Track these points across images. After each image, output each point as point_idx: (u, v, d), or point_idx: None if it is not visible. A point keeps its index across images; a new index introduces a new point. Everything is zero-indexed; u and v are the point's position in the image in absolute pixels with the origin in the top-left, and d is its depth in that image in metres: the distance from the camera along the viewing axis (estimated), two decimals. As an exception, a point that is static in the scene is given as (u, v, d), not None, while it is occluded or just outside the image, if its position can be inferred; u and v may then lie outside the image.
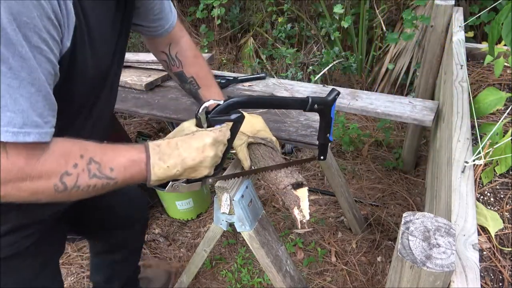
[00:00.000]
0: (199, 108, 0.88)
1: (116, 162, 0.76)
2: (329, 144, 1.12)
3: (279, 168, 1.06)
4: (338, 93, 1.02)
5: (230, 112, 0.90)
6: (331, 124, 1.07)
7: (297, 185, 1.02)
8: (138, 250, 1.56)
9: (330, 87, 1.76)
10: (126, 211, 1.38)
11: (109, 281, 1.52)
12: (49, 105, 0.68)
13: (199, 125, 0.89)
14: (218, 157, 0.88)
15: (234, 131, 0.92)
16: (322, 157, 1.14)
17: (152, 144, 0.82)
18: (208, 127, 0.88)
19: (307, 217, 0.98)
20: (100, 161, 0.74)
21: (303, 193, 1.01)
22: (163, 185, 0.88)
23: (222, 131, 0.87)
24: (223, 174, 1.05)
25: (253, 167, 1.11)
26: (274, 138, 1.15)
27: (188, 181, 0.90)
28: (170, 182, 0.87)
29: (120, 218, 1.37)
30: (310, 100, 0.98)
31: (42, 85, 0.66)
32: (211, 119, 0.88)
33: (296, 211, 0.98)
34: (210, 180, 0.94)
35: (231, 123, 0.90)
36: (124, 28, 0.94)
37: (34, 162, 0.68)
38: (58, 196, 0.71)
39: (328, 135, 1.08)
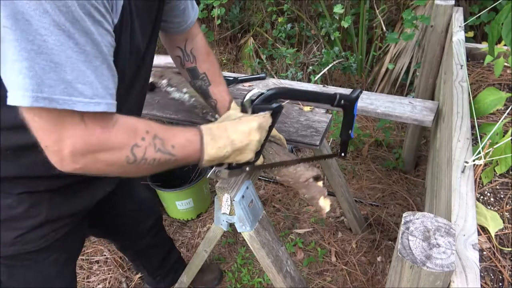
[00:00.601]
0: (245, 96, 0.95)
1: (176, 140, 0.81)
2: (348, 141, 1.18)
3: (299, 163, 1.11)
4: (361, 91, 1.09)
5: (271, 102, 0.96)
6: (354, 120, 1.13)
7: (317, 178, 1.08)
8: (157, 245, 1.62)
9: (330, 87, 1.76)
10: (138, 212, 1.45)
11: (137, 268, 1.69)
12: (113, 78, 0.72)
13: (244, 111, 0.96)
14: (260, 142, 0.94)
15: (274, 119, 0.97)
16: (343, 154, 1.20)
17: (205, 127, 0.87)
18: (252, 113, 0.94)
19: (328, 208, 1.05)
20: (163, 138, 0.79)
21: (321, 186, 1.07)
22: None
23: (266, 117, 0.93)
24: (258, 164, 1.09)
25: (271, 170, 1.14)
26: (282, 136, 1.19)
27: (229, 167, 0.96)
28: (214, 168, 0.94)
29: (132, 218, 1.44)
30: (338, 96, 1.05)
31: (105, 58, 0.69)
32: (255, 106, 0.94)
33: (321, 201, 1.04)
34: (247, 168, 0.98)
35: (271, 111, 0.96)
36: (159, 16, 0.98)
37: (108, 133, 0.71)
38: (128, 168, 0.76)
39: (350, 131, 1.14)
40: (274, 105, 0.95)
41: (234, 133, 0.88)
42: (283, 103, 1.49)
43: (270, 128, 0.96)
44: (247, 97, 0.95)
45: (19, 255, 0.97)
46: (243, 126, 0.89)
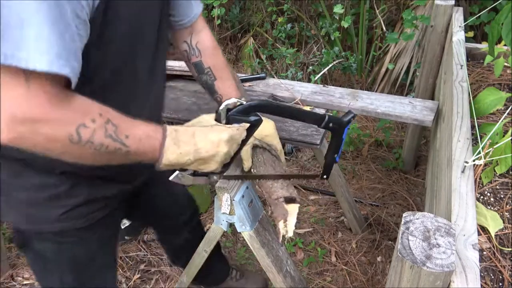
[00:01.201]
0: (221, 104, 0.90)
1: (133, 131, 0.76)
2: (332, 164, 1.12)
3: (278, 179, 1.06)
4: (354, 116, 1.03)
5: (250, 114, 0.90)
6: (341, 145, 1.07)
7: (290, 200, 1.02)
8: (193, 241, 1.57)
9: (330, 87, 1.77)
10: (172, 206, 1.45)
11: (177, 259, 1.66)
12: (76, 52, 0.68)
13: (218, 120, 0.90)
14: (229, 155, 0.89)
15: (249, 133, 0.92)
16: (325, 176, 1.14)
17: (170, 128, 0.82)
18: (226, 123, 0.89)
19: (290, 234, 0.97)
20: (117, 125, 0.74)
21: (293, 209, 1.00)
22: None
23: (240, 130, 0.88)
24: (225, 174, 1.06)
25: (253, 170, 1.11)
26: (280, 147, 1.15)
27: (194, 174, 0.90)
28: (177, 171, 0.88)
29: (167, 211, 1.43)
30: (327, 117, 0.99)
31: (67, 23, 0.65)
32: (231, 116, 0.89)
33: (281, 224, 0.98)
34: (215, 177, 0.93)
35: (247, 124, 0.91)
36: (165, 9, 0.96)
37: (54, 103, 0.66)
38: (71, 149, 0.70)
39: (336, 155, 1.09)
40: (252, 118, 0.90)
41: (202, 141, 0.83)
42: (283, 103, 1.49)
43: (243, 141, 0.91)
44: (222, 106, 0.89)
45: (66, 231, 1.00)
46: (213, 136, 0.84)
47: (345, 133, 1.04)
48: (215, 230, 1.35)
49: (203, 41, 1.17)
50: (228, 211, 1.17)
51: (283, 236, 0.98)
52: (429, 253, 0.68)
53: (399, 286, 0.73)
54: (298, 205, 1.01)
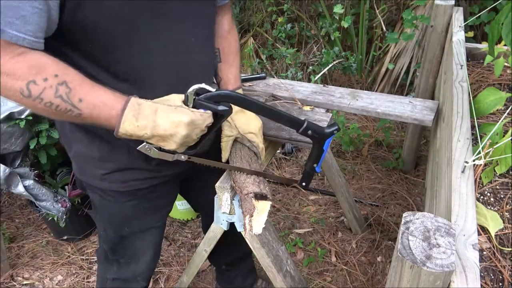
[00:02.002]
0: (191, 87, 0.88)
1: (88, 96, 0.80)
2: (314, 174, 1.10)
3: (251, 174, 1.06)
4: (338, 129, 1.00)
5: (220, 103, 0.90)
6: (322, 156, 1.05)
7: (261, 196, 1.01)
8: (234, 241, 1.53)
9: (330, 87, 1.76)
10: None
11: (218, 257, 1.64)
12: (33, 17, 0.74)
13: (185, 102, 0.90)
14: (190, 138, 0.90)
15: (217, 122, 0.92)
16: (304, 184, 1.12)
17: (134, 100, 0.84)
18: (193, 107, 0.89)
19: (257, 231, 0.96)
20: (72, 88, 0.78)
21: (263, 206, 0.99)
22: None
23: (203, 116, 0.88)
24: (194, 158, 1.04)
25: (230, 163, 1.12)
26: (261, 146, 1.15)
27: (161, 149, 0.92)
28: (144, 143, 0.90)
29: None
30: (305, 124, 0.97)
31: None
32: (197, 101, 0.89)
33: (246, 219, 0.97)
34: (182, 157, 0.95)
35: (210, 112, 0.90)
36: None
37: (8, 59, 0.73)
38: (24, 102, 0.77)
39: (315, 165, 1.07)
40: (221, 107, 0.89)
41: (162, 118, 0.85)
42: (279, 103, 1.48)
43: (210, 128, 0.92)
44: (190, 89, 0.88)
45: (106, 190, 1.12)
46: (174, 116, 0.85)
47: (326, 145, 1.01)
48: (215, 230, 1.35)
49: (222, 23, 1.17)
50: (228, 211, 1.17)
51: (249, 232, 0.98)
52: (429, 253, 0.68)
53: (399, 286, 0.73)
54: (269, 202, 1.01)
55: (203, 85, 0.89)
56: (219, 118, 0.92)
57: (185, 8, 0.95)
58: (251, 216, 0.98)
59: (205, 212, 1.55)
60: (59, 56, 0.81)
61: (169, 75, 0.97)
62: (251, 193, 1.01)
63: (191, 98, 0.89)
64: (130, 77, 0.92)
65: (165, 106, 0.87)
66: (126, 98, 0.84)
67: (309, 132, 0.98)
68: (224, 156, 1.14)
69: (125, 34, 0.87)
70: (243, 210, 1.02)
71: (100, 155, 1.05)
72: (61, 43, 0.84)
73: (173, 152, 0.93)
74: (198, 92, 0.89)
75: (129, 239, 1.24)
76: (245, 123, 1.13)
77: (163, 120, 0.85)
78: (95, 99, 0.81)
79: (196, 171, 1.17)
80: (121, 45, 0.88)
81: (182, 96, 0.90)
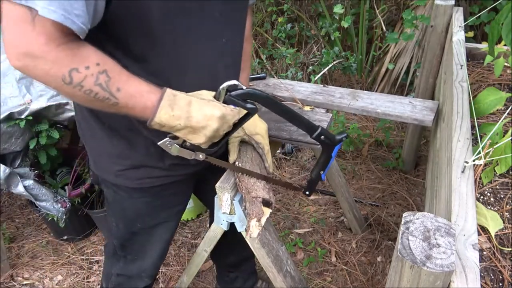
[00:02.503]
0: (224, 83, 0.91)
1: (126, 86, 0.81)
2: (317, 182, 1.12)
3: (263, 179, 1.09)
4: (347, 136, 1.04)
5: (247, 101, 0.92)
6: (330, 163, 1.08)
7: (266, 203, 1.05)
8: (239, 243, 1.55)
9: (330, 87, 1.76)
10: None
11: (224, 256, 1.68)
12: (84, 4, 0.74)
13: (216, 97, 0.92)
14: (218, 134, 0.91)
15: (243, 119, 0.94)
16: (307, 192, 1.16)
17: (170, 91, 0.85)
18: (223, 103, 0.91)
19: (254, 235, 1.03)
20: (112, 77, 0.79)
21: (266, 212, 1.04)
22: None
23: (233, 112, 0.91)
24: (213, 158, 1.06)
25: (238, 164, 1.13)
26: (267, 148, 1.17)
27: (182, 146, 0.93)
28: (167, 138, 0.91)
29: None
30: (319, 129, 1.00)
31: None
32: (229, 97, 0.91)
33: (253, 222, 1.01)
34: (200, 155, 0.96)
35: (244, 111, 0.93)
36: None
37: (53, 46, 0.73)
38: (64, 88, 0.78)
39: (322, 172, 1.09)
40: (249, 105, 0.92)
41: (195, 111, 0.86)
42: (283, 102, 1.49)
43: (236, 125, 0.94)
44: (224, 85, 0.91)
45: (120, 186, 1.14)
46: (207, 109, 0.87)
47: (335, 152, 1.04)
48: (215, 230, 1.36)
49: (245, 26, 1.16)
50: (229, 211, 1.17)
51: (251, 234, 1.02)
52: (429, 253, 0.68)
53: (399, 286, 0.73)
54: (270, 210, 1.05)
55: (236, 82, 0.91)
56: (245, 116, 0.94)
57: (221, 8, 0.96)
58: (259, 220, 1.02)
59: (212, 212, 1.55)
60: (97, 46, 0.82)
61: (199, 73, 0.99)
62: (260, 197, 1.04)
63: (223, 94, 0.91)
64: (162, 74, 0.94)
65: (199, 99, 0.89)
66: (161, 89, 0.85)
67: (322, 137, 1.02)
68: (232, 157, 1.14)
69: (164, 32, 0.88)
70: (248, 212, 1.04)
71: (117, 152, 1.07)
72: (100, 34, 0.85)
73: (193, 149, 0.94)
74: (229, 89, 0.91)
75: (139, 235, 1.26)
76: (252, 124, 1.14)
77: (197, 113, 0.86)
78: (132, 89, 0.82)
79: (212, 172, 1.18)
80: (160, 42, 0.90)
81: (212, 93, 0.92)
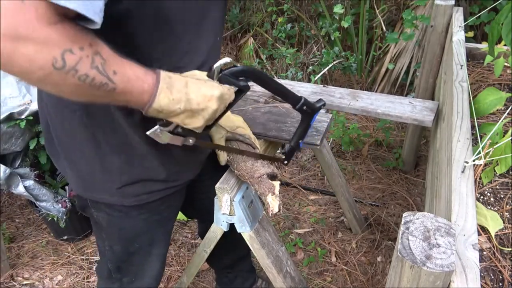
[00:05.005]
0: (219, 61, 0.87)
1: (122, 68, 0.72)
2: (295, 150, 1.15)
3: (256, 159, 1.11)
4: (324, 104, 1.07)
5: (240, 79, 0.90)
6: (308, 130, 1.10)
7: (272, 177, 1.07)
8: (234, 243, 1.54)
9: (330, 87, 1.76)
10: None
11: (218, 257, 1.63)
12: None
13: (210, 77, 0.88)
14: (214, 116, 0.87)
15: (236, 99, 0.91)
16: (286, 162, 1.17)
17: (164, 73, 0.78)
18: (218, 82, 0.88)
19: (276, 210, 1.02)
20: (106, 59, 0.69)
21: (276, 185, 1.06)
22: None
23: (230, 91, 0.87)
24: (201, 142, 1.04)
25: (231, 163, 1.14)
26: (253, 136, 1.18)
27: (172, 132, 0.88)
28: (157, 126, 0.86)
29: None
30: (303, 100, 1.02)
31: None
32: (223, 76, 0.87)
33: (270, 198, 1.03)
34: (190, 140, 0.91)
35: (236, 88, 0.90)
36: None
37: (44, 24, 0.61)
38: (53, 75, 0.65)
39: (301, 141, 1.12)
40: (242, 83, 0.89)
41: (194, 92, 0.81)
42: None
43: (230, 105, 0.91)
44: (217, 64, 0.86)
45: (116, 206, 1.07)
46: (206, 90, 0.82)
47: (313, 119, 1.07)
48: (215, 231, 1.35)
49: None
50: (228, 212, 1.17)
51: (272, 210, 1.03)
52: (429, 253, 0.68)
53: (399, 286, 0.73)
54: (278, 182, 1.07)
55: (229, 60, 0.88)
56: (238, 93, 0.91)
57: (214, 7, 0.96)
58: (273, 193, 1.04)
59: (201, 218, 1.55)
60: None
61: (194, 69, 0.96)
62: (264, 174, 1.06)
63: (217, 73, 0.87)
64: (165, 67, 0.87)
65: (194, 79, 0.83)
66: (155, 71, 0.77)
67: (304, 107, 1.03)
68: (223, 157, 1.14)
69: (174, 30, 0.86)
70: (261, 191, 1.05)
71: (111, 169, 1.00)
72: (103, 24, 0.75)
73: (184, 135, 0.89)
74: (221, 67, 0.88)
75: (137, 255, 1.20)
76: (229, 120, 1.14)
77: (196, 94, 0.81)
78: (128, 72, 0.73)
79: (199, 178, 1.17)
80: (168, 39, 0.87)
81: (204, 73, 0.88)
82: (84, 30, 0.67)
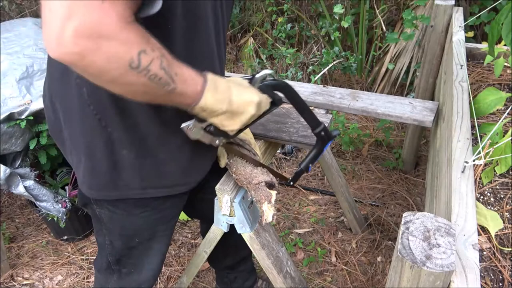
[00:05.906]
0: (260, 71, 0.91)
1: (181, 70, 0.76)
2: (303, 173, 1.16)
3: (257, 165, 1.12)
4: (339, 134, 1.11)
5: (275, 92, 0.94)
6: (319, 156, 1.12)
7: (270, 185, 1.08)
8: (235, 244, 1.56)
9: (330, 88, 1.76)
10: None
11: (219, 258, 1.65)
12: None
13: (251, 84, 0.91)
14: (251, 120, 0.90)
15: (268, 110, 0.94)
16: (292, 183, 1.18)
17: (211, 75, 0.82)
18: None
19: (269, 220, 1.03)
20: (170, 61, 0.73)
21: (273, 194, 1.07)
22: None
23: (268, 100, 0.91)
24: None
25: (230, 166, 1.14)
26: (253, 142, 1.18)
27: (205, 130, 0.90)
28: (193, 120, 0.88)
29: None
30: (322, 125, 1.05)
31: None
32: (263, 86, 0.91)
33: (265, 206, 1.04)
34: (217, 141, 0.94)
35: (271, 99, 0.94)
36: None
37: (123, 25, 0.65)
38: (127, 74, 0.68)
39: (311, 165, 1.13)
40: (277, 97, 0.94)
41: (236, 95, 0.84)
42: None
43: (262, 114, 0.94)
44: (261, 73, 0.91)
45: (117, 202, 1.06)
46: (247, 95, 0.86)
47: (326, 146, 1.10)
48: (215, 232, 1.35)
49: None
50: (228, 213, 1.17)
51: (266, 218, 1.04)
52: (429, 253, 0.68)
53: (399, 286, 0.73)
54: (275, 192, 1.08)
55: (270, 72, 0.92)
56: (271, 106, 0.94)
57: (224, 9, 0.97)
58: (269, 202, 1.04)
59: (204, 218, 1.55)
60: None
61: (201, 66, 0.95)
62: (262, 182, 1.07)
63: (258, 82, 0.91)
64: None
65: (236, 84, 0.87)
66: (202, 73, 0.81)
67: (322, 133, 1.06)
68: (223, 160, 1.14)
69: (182, 27, 0.86)
70: (257, 198, 1.06)
71: (110, 165, 0.98)
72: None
73: (216, 134, 0.91)
74: (263, 77, 0.92)
75: (137, 249, 1.21)
76: None
77: (237, 98, 0.85)
78: (186, 73, 0.77)
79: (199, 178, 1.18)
80: (177, 36, 0.87)
81: (246, 79, 0.92)
82: (147, 31, 0.70)
